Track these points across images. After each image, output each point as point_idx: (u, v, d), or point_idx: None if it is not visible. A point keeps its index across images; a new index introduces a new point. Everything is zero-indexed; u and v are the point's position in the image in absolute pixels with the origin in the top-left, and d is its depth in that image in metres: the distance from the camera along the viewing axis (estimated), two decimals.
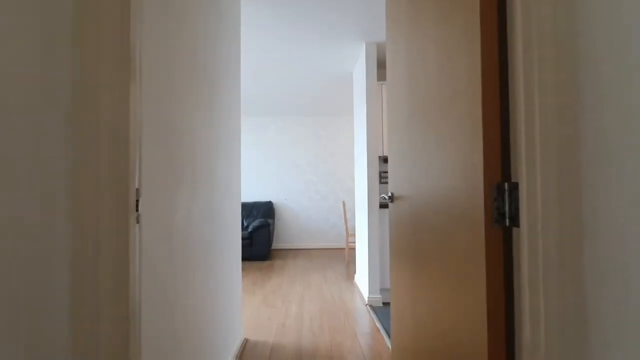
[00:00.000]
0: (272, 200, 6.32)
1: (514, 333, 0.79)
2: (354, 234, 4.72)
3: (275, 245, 6.28)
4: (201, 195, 1.46)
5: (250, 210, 5.95)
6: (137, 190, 0.71)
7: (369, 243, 3.13)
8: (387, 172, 3.83)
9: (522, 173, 0.73)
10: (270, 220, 5.55)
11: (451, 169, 1.02)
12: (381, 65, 3.71)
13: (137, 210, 0.70)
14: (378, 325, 2.59)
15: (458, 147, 0.97)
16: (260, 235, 5.21)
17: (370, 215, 3.14)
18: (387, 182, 3.83)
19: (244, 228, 5.66)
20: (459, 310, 0.96)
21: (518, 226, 0.74)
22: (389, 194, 1.69)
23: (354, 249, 5.61)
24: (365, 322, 2.70)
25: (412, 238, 1.40)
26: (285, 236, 6.30)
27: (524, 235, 0.72)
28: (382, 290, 3.15)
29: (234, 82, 2.18)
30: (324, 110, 5.97)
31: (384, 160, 3.77)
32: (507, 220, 0.79)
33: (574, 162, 0.63)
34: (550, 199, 0.67)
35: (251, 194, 6.34)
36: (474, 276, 0.89)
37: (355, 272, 4.34)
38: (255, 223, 5.28)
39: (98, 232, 0.65)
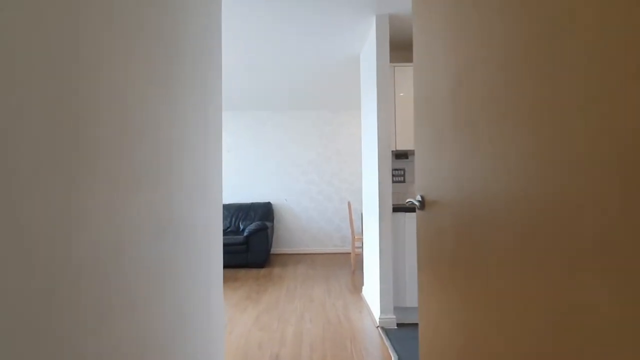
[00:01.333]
0: (271, 201, 5.84)
1: None
2: (361, 238, 4.24)
3: (275, 249, 5.80)
4: (141, 202, 0.99)
5: (247, 212, 5.46)
6: None
7: (380, 253, 2.64)
8: (399, 169, 3.33)
9: None
10: (268, 223, 5.07)
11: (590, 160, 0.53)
12: (394, 46, 3.22)
13: None
14: (393, 357, 2.11)
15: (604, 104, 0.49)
16: (258, 239, 4.73)
17: (381, 219, 2.65)
18: (400, 182, 3.33)
19: (239, 232, 5.19)
20: None
21: None
22: (418, 198, 1.21)
23: (361, 254, 5.12)
24: (376, 351, 2.21)
25: (462, 266, 0.91)
26: (285, 240, 5.81)
27: None
28: (397, 310, 2.66)
29: (211, 62, 1.70)
30: (328, 103, 5.47)
31: (397, 155, 3.28)
32: None
33: None
34: None
35: (248, 194, 5.86)
36: None
37: (362, 284, 3.86)
38: (252, 226, 4.80)
39: None
